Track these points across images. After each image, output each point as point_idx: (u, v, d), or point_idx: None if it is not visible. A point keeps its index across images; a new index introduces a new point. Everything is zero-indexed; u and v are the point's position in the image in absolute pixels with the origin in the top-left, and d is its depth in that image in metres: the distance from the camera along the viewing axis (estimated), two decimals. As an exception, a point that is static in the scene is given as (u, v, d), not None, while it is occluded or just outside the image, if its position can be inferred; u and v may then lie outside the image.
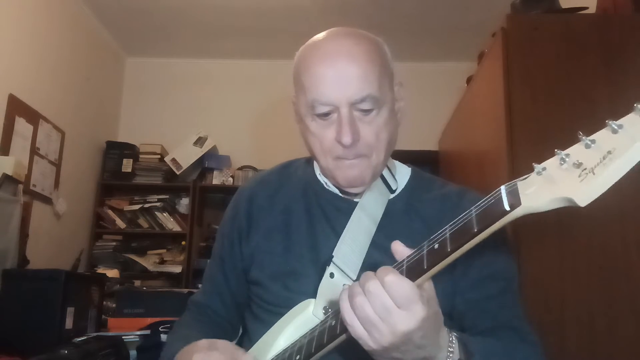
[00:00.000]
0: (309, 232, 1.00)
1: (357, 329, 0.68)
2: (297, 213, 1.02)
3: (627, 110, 0.56)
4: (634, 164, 0.53)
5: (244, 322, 1.09)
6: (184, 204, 4.15)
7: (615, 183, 0.54)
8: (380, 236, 0.94)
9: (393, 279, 0.65)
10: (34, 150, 3.15)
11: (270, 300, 0.98)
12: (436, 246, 0.67)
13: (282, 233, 1.01)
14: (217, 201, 4.27)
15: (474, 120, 2.43)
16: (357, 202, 0.97)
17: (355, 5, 3.66)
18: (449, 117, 3.03)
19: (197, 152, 4.12)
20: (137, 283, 3.68)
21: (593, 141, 0.56)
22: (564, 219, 1.68)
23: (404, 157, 1.10)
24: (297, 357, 0.82)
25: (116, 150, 4.16)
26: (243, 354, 0.85)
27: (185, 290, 2.37)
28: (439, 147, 3.36)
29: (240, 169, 4.20)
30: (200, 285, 1.18)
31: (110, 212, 4.09)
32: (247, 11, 3.79)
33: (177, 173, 4.09)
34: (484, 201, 0.64)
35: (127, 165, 4.12)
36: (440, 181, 1.06)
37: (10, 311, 1.69)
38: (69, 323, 1.74)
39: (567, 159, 0.57)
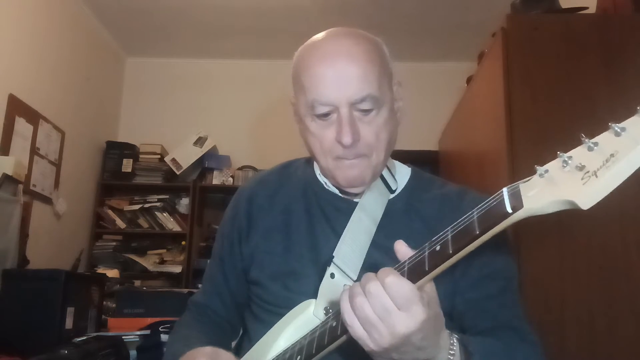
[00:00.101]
0: (308, 232, 0.99)
1: (356, 329, 0.68)
2: (297, 213, 1.02)
3: (627, 110, 0.56)
4: (636, 167, 0.53)
5: (244, 322, 1.09)
6: (184, 204, 4.15)
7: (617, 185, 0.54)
8: (380, 236, 0.94)
9: (393, 280, 0.65)
10: (34, 150, 3.15)
11: (270, 300, 0.98)
12: (438, 248, 0.67)
13: (282, 233, 1.01)
14: (217, 201, 4.27)
15: (474, 120, 2.43)
16: (357, 202, 0.97)
17: (355, 5, 3.65)
18: (449, 117, 3.03)
19: (197, 152, 4.12)
20: (137, 283, 3.68)
21: (596, 144, 0.56)
22: (564, 219, 1.68)
23: (404, 157, 1.10)
24: (298, 358, 0.82)
25: (116, 150, 4.15)
26: None
27: (185, 290, 2.37)
28: (439, 147, 3.36)
29: (240, 169, 4.20)
30: (200, 286, 1.18)
31: (110, 212, 4.09)
32: (247, 11, 3.79)
33: (177, 173, 4.09)
34: (485, 203, 0.64)
35: (127, 165, 4.12)
36: (440, 181, 1.06)
37: (10, 311, 1.69)
38: (69, 323, 1.74)
39: (569, 162, 0.57)
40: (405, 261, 0.70)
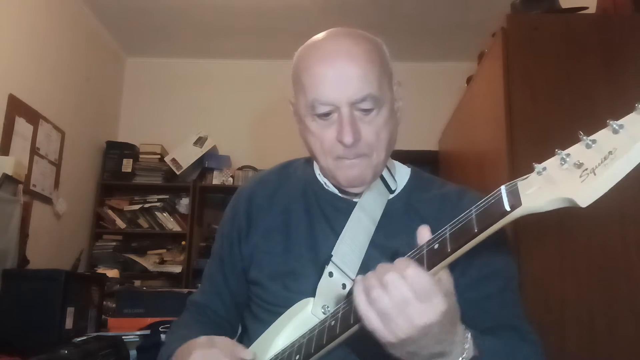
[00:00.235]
0: (308, 232, 1.00)
1: (373, 321, 0.67)
2: (296, 213, 1.02)
3: (627, 110, 0.56)
4: (635, 165, 0.53)
5: (244, 322, 1.09)
6: (184, 204, 4.15)
7: (616, 183, 0.53)
8: (379, 236, 0.94)
9: (414, 271, 0.65)
10: (34, 150, 3.15)
11: (270, 300, 0.98)
12: (436, 246, 0.67)
13: (281, 233, 1.01)
14: (217, 201, 4.27)
15: (474, 120, 2.43)
16: (356, 202, 0.97)
17: (355, 5, 3.66)
18: (449, 117, 3.03)
19: (197, 152, 4.12)
20: (137, 283, 3.68)
21: (594, 141, 0.56)
22: (564, 219, 1.68)
23: (404, 157, 1.10)
24: (297, 357, 0.82)
25: (116, 150, 4.16)
26: (242, 350, 0.85)
27: (185, 290, 2.37)
28: (439, 147, 3.37)
29: (240, 169, 4.20)
30: (199, 285, 1.18)
31: (110, 212, 4.09)
32: (247, 11, 3.79)
33: (177, 173, 4.09)
34: (484, 201, 0.64)
35: (127, 165, 4.12)
36: (440, 181, 1.06)
37: (10, 311, 1.69)
38: (69, 323, 1.74)
39: (567, 159, 0.57)
40: (414, 250, 0.70)
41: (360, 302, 0.68)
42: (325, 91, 0.88)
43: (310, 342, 0.81)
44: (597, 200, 0.54)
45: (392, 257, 0.71)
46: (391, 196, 1.00)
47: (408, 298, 0.64)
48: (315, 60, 0.91)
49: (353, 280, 0.88)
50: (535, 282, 1.69)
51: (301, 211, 1.02)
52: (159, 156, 4.18)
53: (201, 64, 4.51)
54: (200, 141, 4.15)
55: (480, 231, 0.63)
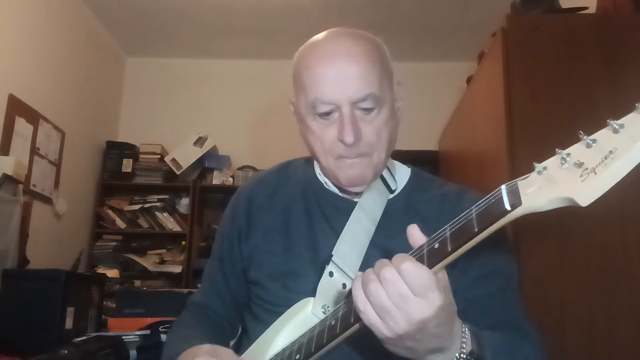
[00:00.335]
0: (308, 232, 1.00)
1: (370, 316, 0.67)
2: (296, 213, 1.02)
3: (627, 109, 0.55)
4: (635, 164, 0.53)
5: (244, 322, 1.09)
6: (184, 204, 4.15)
7: (616, 183, 0.53)
8: (379, 236, 0.94)
9: (411, 266, 0.65)
10: (34, 150, 3.15)
11: (270, 300, 0.99)
12: (436, 245, 0.67)
13: (281, 233, 1.01)
14: (217, 201, 4.27)
15: (474, 120, 2.43)
16: (356, 202, 0.97)
17: (355, 5, 3.66)
18: (449, 117, 3.03)
19: (197, 152, 4.12)
20: (137, 283, 3.68)
21: (594, 141, 0.56)
22: (564, 219, 1.68)
23: (404, 157, 1.10)
24: (297, 356, 0.82)
25: (116, 150, 4.15)
26: None
27: (185, 290, 2.37)
28: (439, 147, 3.37)
29: (240, 169, 4.20)
30: (199, 285, 1.18)
31: (110, 212, 4.09)
32: (247, 11, 3.79)
33: (177, 173, 4.09)
34: (484, 200, 0.64)
35: (127, 165, 4.12)
36: (440, 181, 1.06)
37: (10, 311, 1.69)
38: (69, 323, 1.74)
39: (568, 159, 0.57)
40: (415, 250, 0.70)
41: (358, 295, 0.68)
42: (326, 90, 0.89)
43: (311, 342, 0.81)
44: (597, 199, 0.54)
45: (392, 257, 0.72)
46: (391, 196, 1.00)
47: (404, 292, 0.64)
48: (315, 60, 0.91)
49: (353, 280, 0.88)
50: (535, 282, 1.69)
51: (301, 211, 1.02)
52: (159, 156, 4.18)
53: (201, 64, 4.51)
54: (200, 141, 4.15)
55: (481, 230, 0.63)
